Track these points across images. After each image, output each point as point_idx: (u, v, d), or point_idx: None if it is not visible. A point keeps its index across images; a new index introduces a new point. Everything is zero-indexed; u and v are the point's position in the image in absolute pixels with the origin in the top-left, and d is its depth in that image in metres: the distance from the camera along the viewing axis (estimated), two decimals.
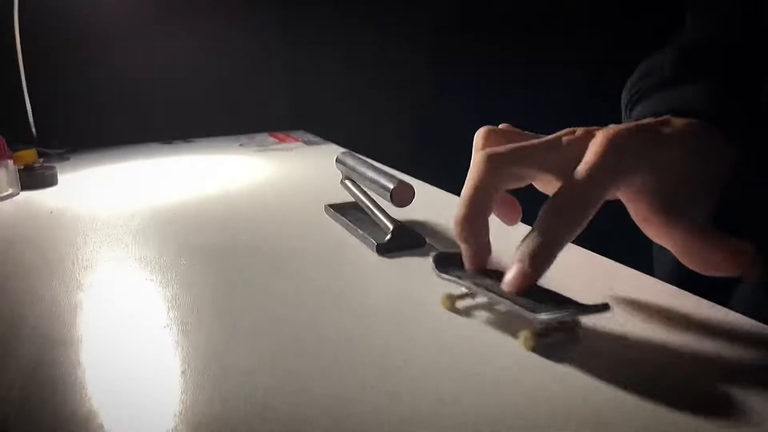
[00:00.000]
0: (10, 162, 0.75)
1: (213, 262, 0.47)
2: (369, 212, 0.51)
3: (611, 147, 0.34)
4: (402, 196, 0.48)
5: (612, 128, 0.36)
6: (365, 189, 0.54)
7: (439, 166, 0.95)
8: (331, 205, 0.57)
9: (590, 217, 0.34)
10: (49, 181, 0.77)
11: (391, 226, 0.47)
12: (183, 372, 0.29)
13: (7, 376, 0.30)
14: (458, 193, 0.37)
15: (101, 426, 0.25)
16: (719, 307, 0.36)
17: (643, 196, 0.36)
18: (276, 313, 0.36)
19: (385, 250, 0.46)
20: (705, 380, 0.28)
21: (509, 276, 0.33)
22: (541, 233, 0.33)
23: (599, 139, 0.35)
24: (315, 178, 0.80)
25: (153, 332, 0.34)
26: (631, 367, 0.30)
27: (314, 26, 1.34)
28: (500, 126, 0.41)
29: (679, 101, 0.44)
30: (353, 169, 0.55)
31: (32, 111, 1.06)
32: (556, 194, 0.34)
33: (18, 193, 0.73)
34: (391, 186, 0.48)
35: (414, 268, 0.44)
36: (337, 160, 0.59)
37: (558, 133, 0.38)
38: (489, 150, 0.37)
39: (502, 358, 0.31)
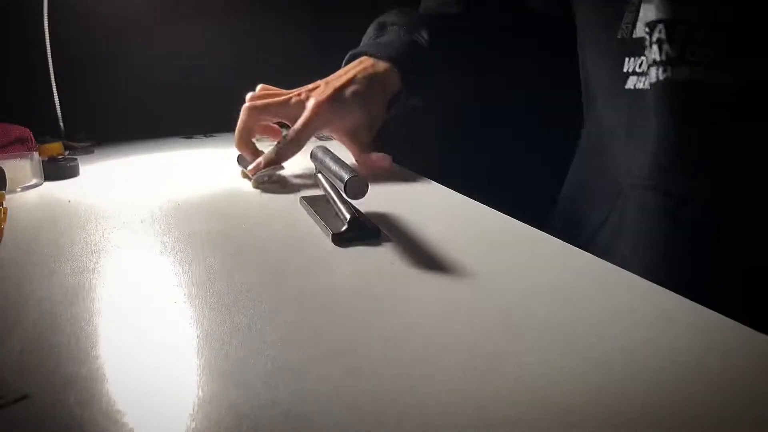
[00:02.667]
0: (36, 154, 0.79)
1: (205, 249, 0.50)
2: (332, 204, 0.54)
3: (316, 112, 0.72)
4: (356, 188, 0.50)
5: (319, 97, 0.73)
6: (332, 182, 0.56)
7: (451, 166, 0.97)
8: (305, 197, 0.60)
9: (303, 147, 0.72)
10: (71, 172, 0.81)
11: (348, 217, 0.49)
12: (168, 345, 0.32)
13: (9, 343, 0.33)
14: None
15: (104, 390, 0.28)
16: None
17: (342, 136, 0.76)
18: (235, 292, 0.39)
19: (340, 240, 0.48)
20: None
21: (251, 167, 0.72)
22: (275, 151, 0.71)
23: (310, 104, 0.73)
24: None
25: (140, 311, 0.37)
26: None
27: (344, 26, 1.36)
28: (259, 87, 0.81)
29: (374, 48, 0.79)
30: (321, 162, 0.58)
31: (60, 105, 1.11)
32: (286, 136, 0.72)
33: (41, 183, 0.77)
34: (346, 177, 0.51)
35: (367, 257, 0.46)
36: (311, 154, 0.62)
37: (290, 94, 0.76)
38: (249, 103, 0.77)
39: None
